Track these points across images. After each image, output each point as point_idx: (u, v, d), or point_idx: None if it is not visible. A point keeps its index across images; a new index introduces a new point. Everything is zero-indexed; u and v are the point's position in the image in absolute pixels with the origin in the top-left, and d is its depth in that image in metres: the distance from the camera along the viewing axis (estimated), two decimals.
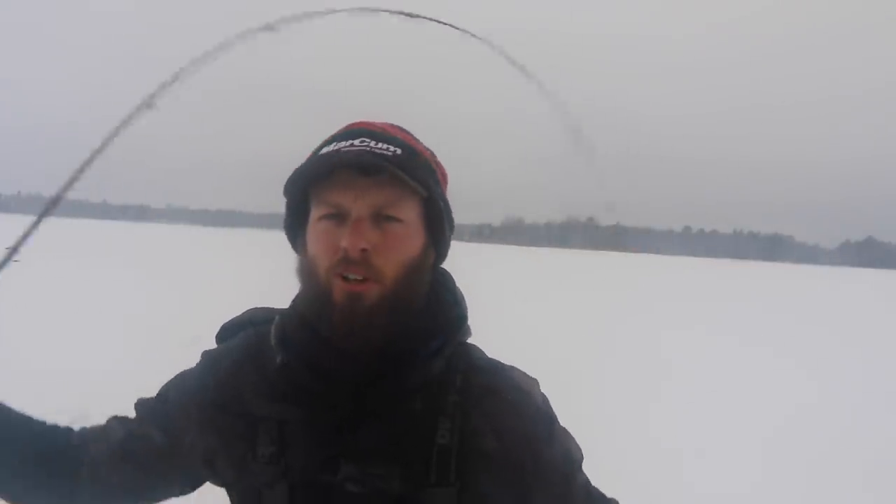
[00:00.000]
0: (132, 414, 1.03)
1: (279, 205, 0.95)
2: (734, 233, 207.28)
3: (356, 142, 0.86)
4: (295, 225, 0.94)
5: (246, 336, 1.00)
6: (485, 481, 0.87)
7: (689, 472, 5.66)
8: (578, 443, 0.97)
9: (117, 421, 1.01)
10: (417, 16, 1.03)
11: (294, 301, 0.95)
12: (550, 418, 0.94)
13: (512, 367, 0.96)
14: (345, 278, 0.83)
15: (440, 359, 0.88)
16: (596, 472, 1.00)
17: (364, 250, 0.83)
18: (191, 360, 1.07)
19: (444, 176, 0.97)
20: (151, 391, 1.10)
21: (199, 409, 0.95)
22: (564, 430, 0.96)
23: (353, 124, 0.93)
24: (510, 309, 16.78)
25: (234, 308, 1.14)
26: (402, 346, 0.87)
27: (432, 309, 0.92)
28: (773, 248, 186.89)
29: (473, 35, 1.05)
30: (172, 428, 0.96)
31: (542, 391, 0.96)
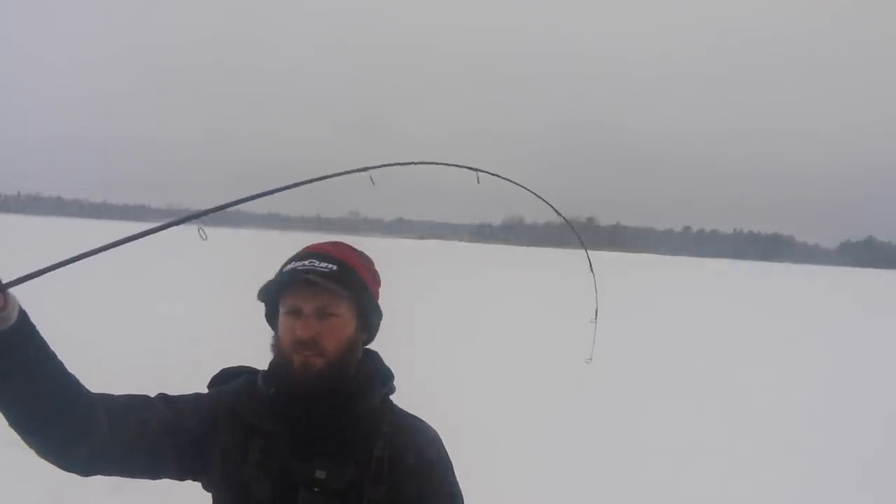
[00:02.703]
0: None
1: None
2: (734, 233, 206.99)
3: (306, 262, 1.25)
4: (271, 315, 1.33)
5: (244, 378, 1.35)
6: (406, 484, 1.25)
7: (696, 471, 5.67)
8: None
9: (133, 395, 1.23)
10: (483, 171, 1.59)
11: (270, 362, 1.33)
12: (450, 462, 1.35)
13: (422, 420, 1.37)
14: (301, 353, 1.21)
15: (377, 399, 1.30)
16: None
17: (312, 337, 1.21)
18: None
19: (376, 278, 1.37)
20: (153, 391, 1.27)
21: (213, 409, 1.25)
22: (455, 477, 1.35)
23: (307, 248, 1.32)
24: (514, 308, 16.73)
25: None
26: (340, 392, 1.24)
27: (366, 372, 1.31)
28: (773, 248, 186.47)
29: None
30: (181, 411, 1.23)
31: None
